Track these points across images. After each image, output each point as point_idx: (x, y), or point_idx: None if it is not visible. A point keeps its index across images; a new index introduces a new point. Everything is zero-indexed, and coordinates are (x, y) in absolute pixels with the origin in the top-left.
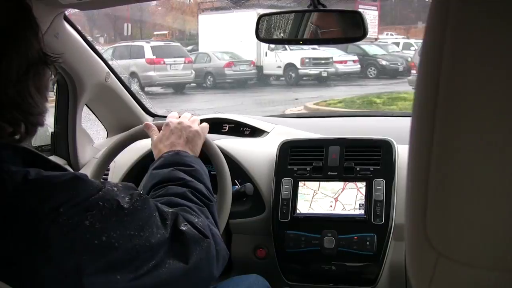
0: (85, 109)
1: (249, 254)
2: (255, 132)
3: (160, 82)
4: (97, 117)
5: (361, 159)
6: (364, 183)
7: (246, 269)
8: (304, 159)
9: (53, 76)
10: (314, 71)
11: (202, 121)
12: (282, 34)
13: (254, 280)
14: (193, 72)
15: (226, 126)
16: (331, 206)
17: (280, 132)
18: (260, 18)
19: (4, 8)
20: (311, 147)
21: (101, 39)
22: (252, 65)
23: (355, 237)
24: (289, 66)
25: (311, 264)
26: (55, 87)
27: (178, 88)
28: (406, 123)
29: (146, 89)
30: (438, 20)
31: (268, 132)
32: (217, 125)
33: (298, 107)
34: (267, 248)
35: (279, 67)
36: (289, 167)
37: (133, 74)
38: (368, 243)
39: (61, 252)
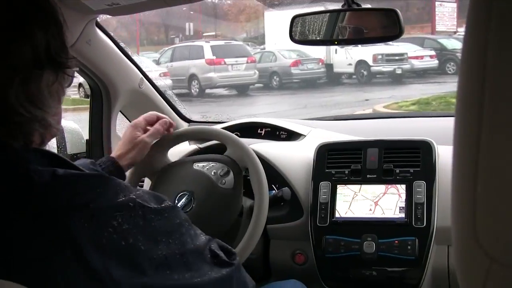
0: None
1: (287, 259)
2: (291, 135)
3: (221, 84)
4: None
5: (400, 161)
6: (404, 186)
7: (284, 275)
8: (342, 162)
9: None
10: (387, 68)
11: (236, 125)
12: (316, 35)
13: (292, 285)
14: (257, 72)
15: (262, 130)
16: (370, 210)
17: (317, 135)
18: (294, 19)
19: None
20: (349, 149)
21: (176, 40)
22: (320, 63)
23: (396, 241)
24: (361, 64)
25: (351, 270)
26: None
27: (242, 90)
28: (445, 123)
29: (207, 91)
30: (480, 19)
31: (305, 135)
32: (253, 129)
33: (367, 110)
34: (306, 253)
35: (350, 64)
36: (327, 170)
37: (192, 76)
38: (409, 247)
39: (90, 251)
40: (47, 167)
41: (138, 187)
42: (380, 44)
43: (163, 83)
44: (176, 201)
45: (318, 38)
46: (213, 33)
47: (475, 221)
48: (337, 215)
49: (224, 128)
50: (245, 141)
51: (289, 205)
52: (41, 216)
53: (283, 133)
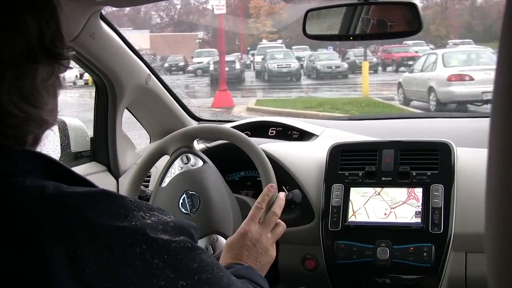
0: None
1: (297, 265)
2: (303, 135)
3: None
4: (139, 121)
5: (417, 163)
6: (421, 189)
7: (294, 281)
8: (356, 163)
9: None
10: None
11: (246, 124)
12: (331, 30)
13: None
14: None
15: (273, 130)
16: (385, 214)
17: (330, 135)
18: (308, 13)
19: None
20: (363, 150)
21: None
22: None
23: (411, 248)
24: None
25: (363, 277)
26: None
27: None
28: (464, 124)
29: None
30: None
31: (318, 136)
32: (264, 129)
33: None
34: (317, 259)
35: None
36: (339, 172)
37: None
38: (425, 254)
39: None
40: (37, 178)
41: (158, 207)
42: None
43: None
44: (182, 201)
45: (333, 33)
46: None
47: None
48: (349, 219)
49: (234, 127)
50: (255, 140)
51: (300, 208)
52: (16, 241)
53: (295, 132)
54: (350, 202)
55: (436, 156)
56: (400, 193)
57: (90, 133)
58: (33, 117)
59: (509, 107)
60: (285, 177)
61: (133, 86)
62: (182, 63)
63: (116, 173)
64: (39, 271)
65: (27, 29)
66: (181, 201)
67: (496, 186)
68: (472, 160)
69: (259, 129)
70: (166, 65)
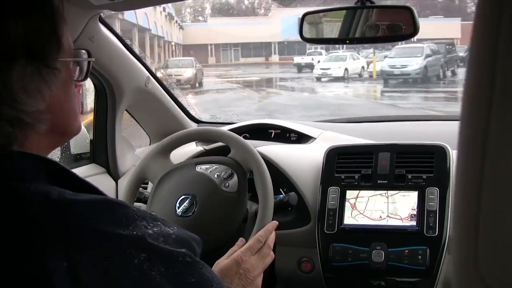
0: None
1: (293, 267)
2: (301, 138)
3: None
4: (138, 123)
5: (413, 166)
6: (416, 192)
7: (290, 283)
8: (352, 166)
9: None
10: None
11: (245, 127)
12: (328, 33)
13: None
14: None
15: (272, 132)
16: (380, 217)
17: (327, 137)
18: (304, 16)
19: None
20: (360, 153)
21: None
22: None
23: (406, 251)
24: None
25: (359, 279)
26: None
27: None
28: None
29: None
30: (489, 23)
31: (315, 138)
32: (262, 131)
33: None
34: (313, 261)
35: None
36: (336, 175)
37: None
38: (420, 256)
39: None
40: (41, 183)
41: (163, 219)
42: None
43: None
44: (178, 205)
45: (329, 37)
46: None
47: (476, 250)
48: (345, 222)
49: (233, 130)
50: (253, 143)
51: (296, 210)
52: (18, 246)
53: (293, 135)
54: (346, 205)
55: (432, 159)
56: (395, 196)
57: (90, 135)
58: (3, 115)
59: (475, 109)
60: (282, 179)
61: (132, 88)
62: None
63: (115, 175)
64: (38, 277)
65: (6, 30)
66: (177, 203)
67: (459, 201)
68: None
69: (258, 132)
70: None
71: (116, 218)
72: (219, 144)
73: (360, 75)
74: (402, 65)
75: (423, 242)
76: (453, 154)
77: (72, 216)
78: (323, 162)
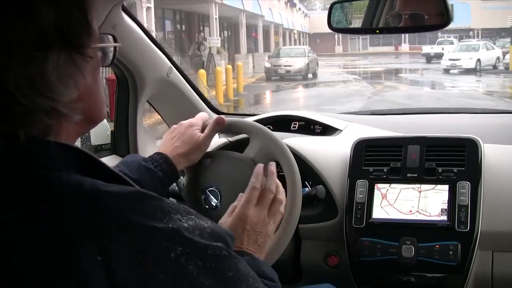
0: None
1: (319, 261)
2: (326, 130)
3: None
4: (159, 114)
5: (443, 160)
6: (447, 186)
7: (316, 278)
8: (381, 159)
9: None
10: None
11: (268, 118)
12: (356, 23)
13: None
14: None
15: (295, 124)
16: (410, 211)
17: (354, 130)
18: (333, 6)
19: None
20: (389, 146)
21: None
22: None
23: (437, 246)
24: None
25: (387, 275)
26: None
27: None
28: (490, 120)
29: None
30: None
31: (341, 130)
32: (286, 123)
33: None
34: (340, 255)
35: None
36: (364, 168)
37: None
38: (451, 252)
39: None
40: (72, 173)
41: (196, 212)
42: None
43: None
44: (204, 197)
45: (357, 26)
46: None
47: None
48: (374, 216)
49: (257, 121)
50: (277, 135)
51: (323, 204)
52: (48, 239)
53: (318, 127)
54: (374, 199)
55: (463, 153)
56: (426, 190)
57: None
58: (41, 106)
59: None
60: (308, 172)
61: (155, 79)
62: None
63: None
64: (71, 270)
65: (39, 17)
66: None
67: None
68: (499, 156)
69: (281, 123)
70: None
71: (151, 210)
72: (243, 136)
73: (494, 66)
74: None
75: (454, 237)
76: (484, 147)
77: (105, 207)
78: (350, 155)
